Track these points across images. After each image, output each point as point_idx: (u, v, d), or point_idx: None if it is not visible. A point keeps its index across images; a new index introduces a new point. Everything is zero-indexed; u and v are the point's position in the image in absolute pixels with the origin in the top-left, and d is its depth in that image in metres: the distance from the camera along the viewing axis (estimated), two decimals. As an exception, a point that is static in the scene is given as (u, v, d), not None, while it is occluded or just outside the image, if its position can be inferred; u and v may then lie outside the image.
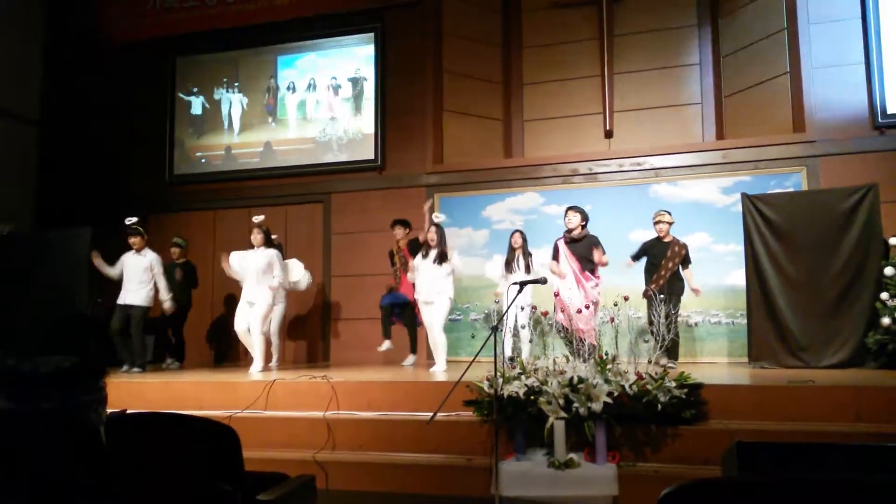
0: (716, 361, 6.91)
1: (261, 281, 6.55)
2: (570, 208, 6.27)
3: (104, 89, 9.27)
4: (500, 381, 4.17)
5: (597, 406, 4.03)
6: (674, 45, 7.99)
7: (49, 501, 1.97)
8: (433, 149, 8.15)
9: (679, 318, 6.17)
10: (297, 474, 2.61)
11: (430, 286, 6.21)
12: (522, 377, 4.33)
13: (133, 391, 5.38)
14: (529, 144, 8.38)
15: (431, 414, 3.92)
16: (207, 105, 9.08)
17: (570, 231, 6.19)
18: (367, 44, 8.54)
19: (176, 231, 8.12)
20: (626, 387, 4.12)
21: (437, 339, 6.26)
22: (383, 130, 8.33)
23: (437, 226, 6.35)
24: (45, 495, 1.95)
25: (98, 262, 6.87)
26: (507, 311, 4.48)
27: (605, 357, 4.39)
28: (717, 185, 7.31)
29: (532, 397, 4.17)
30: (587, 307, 5.47)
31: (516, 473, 3.94)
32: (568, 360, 4.59)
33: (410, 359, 7.18)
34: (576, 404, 4.08)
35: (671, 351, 6.05)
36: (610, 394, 4.07)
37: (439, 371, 6.06)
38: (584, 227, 6.20)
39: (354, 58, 8.59)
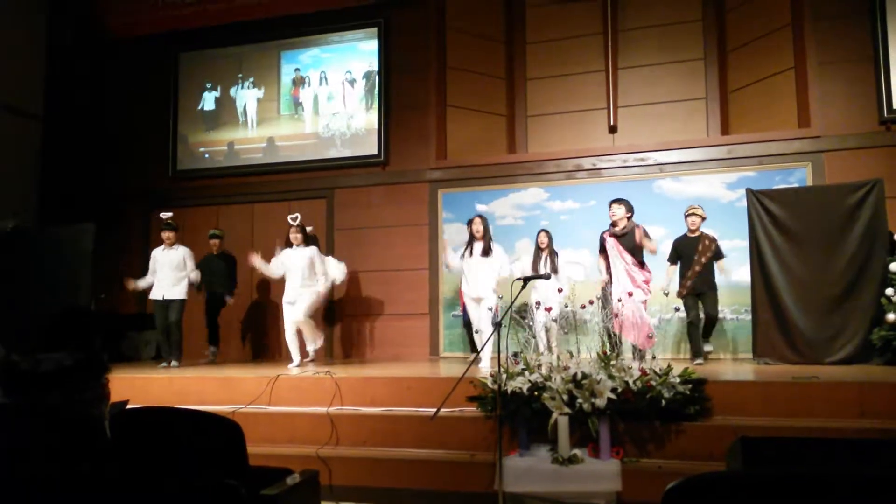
0: (720, 357, 6.89)
1: (305, 281, 6.52)
2: (613, 201, 6.13)
3: (107, 85, 9.28)
4: (504, 376, 4.16)
5: (600, 402, 4.03)
6: (678, 40, 7.94)
7: (53, 497, 1.97)
8: (436, 144, 8.14)
9: (720, 313, 6.27)
10: (301, 469, 2.61)
11: (481, 282, 6.08)
12: (526, 373, 4.33)
13: (137, 386, 5.39)
14: (533, 140, 8.36)
15: (435, 410, 3.93)
16: (213, 104, 9.07)
17: (614, 225, 6.11)
18: (371, 39, 8.52)
19: (179, 226, 8.13)
20: (630, 383, 4.12)
21: (485, 336, 6.14)
22: (386, 126, 8.32)
23: (482, 217, 6.26)
24: (47, 491, 1.95)
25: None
26: (510, 308, 4.46)
27: (608, 353, 4.38)
28: (721, 180, 7.28)
29: (536, 393, 4.17)
30: (591, 302, 5.35)
31: (520, 469, 3.94)
32: (572, 357, 4.57)
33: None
34: (579, 400, 4.08)
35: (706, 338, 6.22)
36: (614, 390, 4.07)
37: (486, 367, 5.93)
38: (629, 218, 6.06)
39: (358, 53, 8.58)
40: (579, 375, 4.19)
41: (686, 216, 6.34)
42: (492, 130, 8.42)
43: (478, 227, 6.15)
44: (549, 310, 5.25)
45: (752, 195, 6.30)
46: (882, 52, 6.85)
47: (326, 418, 4.66)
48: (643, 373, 4.19)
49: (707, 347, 6.28)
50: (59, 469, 2.03)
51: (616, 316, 4.84)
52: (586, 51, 8.18)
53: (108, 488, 1.99)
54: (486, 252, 6.09)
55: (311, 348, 6.71)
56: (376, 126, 8.35)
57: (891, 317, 5.65)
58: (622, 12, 8.09)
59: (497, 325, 3.69)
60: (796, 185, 6.94)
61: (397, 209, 8.01)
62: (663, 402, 4.06)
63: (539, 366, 4.38)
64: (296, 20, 8.70)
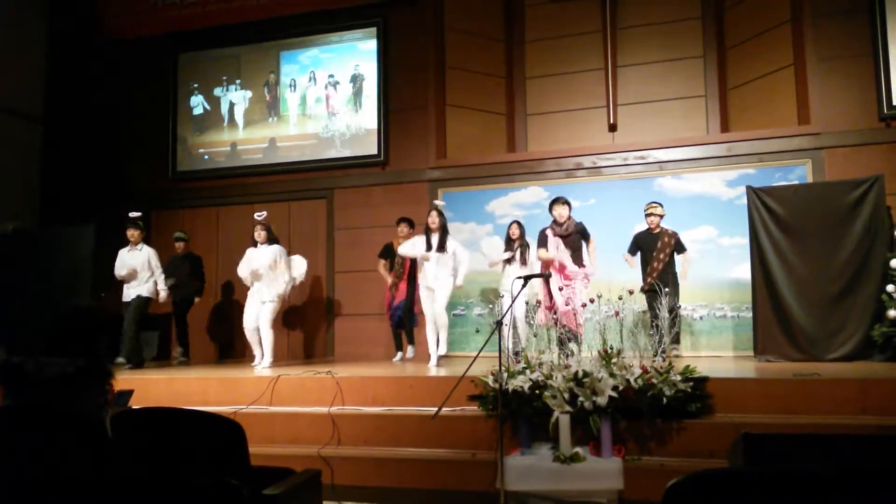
0: (721, 355, 6.89)
1: (268, 278, 6.53)
2: (556, 201, 6.27)
3: (107, 86, 9.26)
4: (505, 375, 4.16)
5: (602, 400, 4.03)
6: (678, 38, 7.93)
7: (55, 499, 1.97)
8: (436, 144, 8.14)
9: (680, 311, 6.21)
10: (303, 469, 2.61)
11: (434, 271, 6.25)
12: (527, 371, 4.33)
13: (138, 387, 5.35)
14: (533, 139, 8.35)
15: (436, 409, 3.93)
16: (208, 105, 9.07)
17: (559, 224, 6.19)
18: (370, 39, 8.52)
19: (179, 227, 8.14)
20: (631, 381, 4.11)
21: (440, 322, 6.30)
22: (386, 126, 8.31)
23: (438, 211, 6.37)
24: (49, 493, 1.95)
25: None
26: (511, 305, 4.47)
27: (609, 351, 4.38)
28: (721, 178, 7.28)
29: (537, 391, 4.17)
30: (591, 301, 5.42)
31: (521, 468, 3.94)
32: (570, 356, 4.59)
33: (400, 355, 7.21)
34: (581, 398, 4.08)
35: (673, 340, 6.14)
36: (615, 388, 4.07)
37: (442, 353, 6.27)
38: (569, 217, 6.23)
39: (357, 53, 8.57)
40: (580, 374, 4.19)
41: (646, 216, 6.41)
42: (491, 129, 8.41)
43: (433, 219, 6.31)
44: (549, 308, 5.26)
45: (753, 192, 6.30)
46: (882, 49, 6.83)
47: (328, 418, 4.66)
48: (644, 370, 4.20)
49: (674, 350, 5.89)
50: (60, 470, 2.03)
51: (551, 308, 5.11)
52: (585, 49, 8.17)
53: (110, 489, 1.99)
54: (442, 246, 6.21)
55: (266, 362, 6.45)
56: (376, 126, 8.35)
57: (891, 313, 5.65)
58: (621, 10, 8.09)
59: (498, 324, 3.70)
60: (796, 182, 6.93)
61: (397, 209, 8.00)
62: (665, 399, 4.06)
63: (540, 364, 4.38)
64: (295, 20, 8.69)
